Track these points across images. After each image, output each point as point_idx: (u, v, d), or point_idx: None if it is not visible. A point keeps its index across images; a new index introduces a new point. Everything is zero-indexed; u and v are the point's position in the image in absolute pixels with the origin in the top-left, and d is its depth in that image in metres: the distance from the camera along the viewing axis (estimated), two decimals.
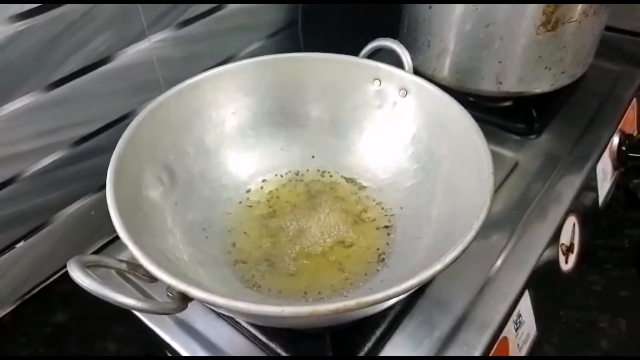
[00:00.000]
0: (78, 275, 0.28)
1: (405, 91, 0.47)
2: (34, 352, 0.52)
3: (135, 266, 0.33)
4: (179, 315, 0.41)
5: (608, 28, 0.70)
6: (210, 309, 0.43)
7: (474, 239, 0.31)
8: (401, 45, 0.46)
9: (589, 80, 0.65)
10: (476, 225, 0.32)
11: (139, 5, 0.52)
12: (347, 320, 0.36)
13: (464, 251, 0.30)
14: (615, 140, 0.60)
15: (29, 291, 0.56)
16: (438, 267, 0.29)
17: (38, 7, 0.44)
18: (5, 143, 0.47)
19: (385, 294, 0.28)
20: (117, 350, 0.52)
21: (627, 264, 0.60)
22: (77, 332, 0.54)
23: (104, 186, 0.36)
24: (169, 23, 0.56)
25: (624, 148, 0.60)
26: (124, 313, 0.43)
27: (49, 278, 0.57)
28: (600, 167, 0.57)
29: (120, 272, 0.34)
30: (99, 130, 0.54)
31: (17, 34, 0.44)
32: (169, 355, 0.44)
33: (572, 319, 0.55)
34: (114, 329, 0.54)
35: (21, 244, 0.53)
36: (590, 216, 0.57)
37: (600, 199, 0.59)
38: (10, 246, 0.52)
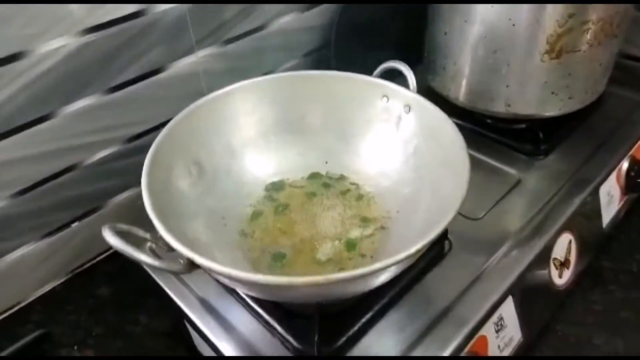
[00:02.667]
0: (108, 236, 0.35)
1: (409, 107, 0.51)
2: (78, 318, 0.60)
3: (157, 238, 0.39)
4: (199, 292, 0.49)
5: (630, 57, 0.73)
6: (223, 287, 0.49)
7: (438, 235, 0.36)
8: (407, 67, 0.51)
9: (606, 106, 0.67)
10: (442, 223, 0.36)
11: (189, 23, 0.59)
12: (328, 296, 0.40)
13: (423, 248, 0.35)
14: (625, 165, 0.61)
15: (80, 266, 0.65)
16: (400, 256, 0.34)
17: (104, 22, 0.53)
18: (69, 136, 0.56)
19: (350, 274, 0.33)
20: (147, 322, 0.59)
21: (633, 287, 0.60)
22: (115, 304, 0.61)
23: None
24: (216, 40, 0.63)
25: (632, 173, 0.61)
26: (155, 290, 0.51)
27: (97, 256, 0.65)
28: (604, 189, 0.59)
29: (150, 248, 0.41)
30: (149, 130, 0.62)
31: (85, 44, 0.52)
32: (187, 324, 0.50)
33: (567, 334, 0.56)
34: (146, 303, 0.61)
35: (77, 223, 0.61)
36: (591, 236, 0.59)
37: (605, 221, 0.60)
38: (68, 224, 0.61)
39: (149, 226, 0.38)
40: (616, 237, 0.66)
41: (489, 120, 0.65)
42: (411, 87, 0.51)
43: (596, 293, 0.61)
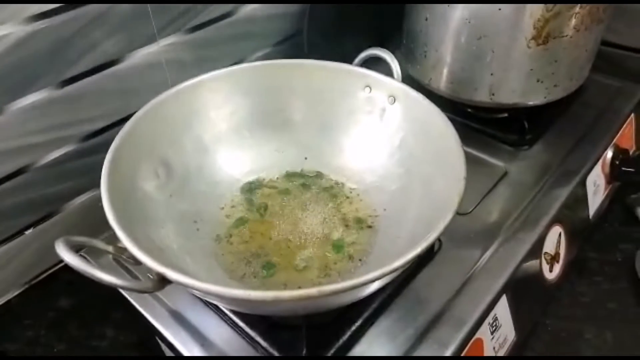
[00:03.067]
0: (63, 252, 0.30)
1: (393, 98, 0.49)
2: (37, 334, 0.55)
3: (121, 249, 0.35)
4: (170, 304, 0.45)
5: (609, 44, 0.72)
6: (198, 298, 0.45)
7: (436, 239, 0.34)
8: (391, 55, 0.48)
9: (587, 94, 0.66)
10: (440, 225, 0.34)
11: (149, 10, 0.54)
12: (317, 309, 0.37)
13: (423, 250, 0.32)
14: (609, 154, 0.61)
15: (36, 276, 0.59)
16: (396, 264, 0.31)
17: (53, 8, 0.48)
18: (18, 135, 0.51)
19: (344, 285, 0.30)
20: (114, 336, 0.55)
21: (618, 278, 0.60)
22: (78, 317, 0.56)
23: None
24: (179, 28, 0.59)
25: (617, 162, 0.60)
26: (122, 301, 0.47)
27: (55, 265, 0.60)
28: (591, 179, 0.58)
29: (114, 259, 0.37)
30: (108, 127, 0.57)
31: (32, 33, 0.47)
32: (159, 340, 0.46)
33: (558, 329, 0.55)
34: (112, 315, 0.56)
35: (30, 231, 0.56)
36: (579, 228, 0.58)
37: (591, 212, 0.59)
38: (20, 232, 0.55)
39: (111, 236, 0.34)
40: (600, 227, 0.65)
41: (470, 110, 0.63)
42: (395, 76, 0.49)
43: (583, 285, 0.60)
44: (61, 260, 0.30)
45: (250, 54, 0.69)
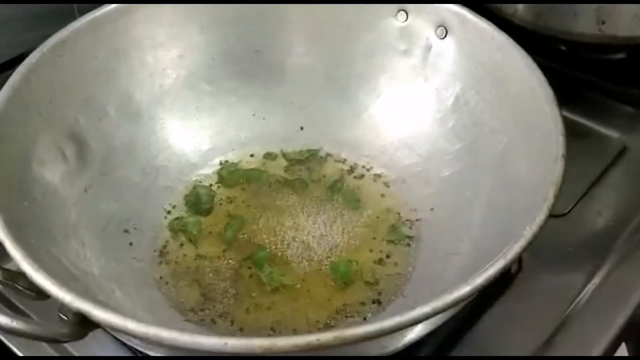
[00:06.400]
0: None
1: (444, 29, 0.48)
2: None
3: (14, 275, 0.34)
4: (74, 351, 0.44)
5: None
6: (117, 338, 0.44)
7: (517, 256, 0.32)
8: None
9: None
10: (524, 234, 0.32)
11: None
12: None
13: (495, 275, 0.32)
14: None
15: None
16: (449, 298, 0.30)
17: None
18: None
19: (370, 328, 0.28)
20: None
21: None
22: None
23: None
24: None
25: None
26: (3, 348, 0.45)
27: None
28: None
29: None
30: None
31: None
32: None
33: None
34: None
35: None
36: None
37: None
38: None
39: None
40: None
41: (564, 48, 0.61)
42: None
43: None
44: None
45: None
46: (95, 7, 0.48)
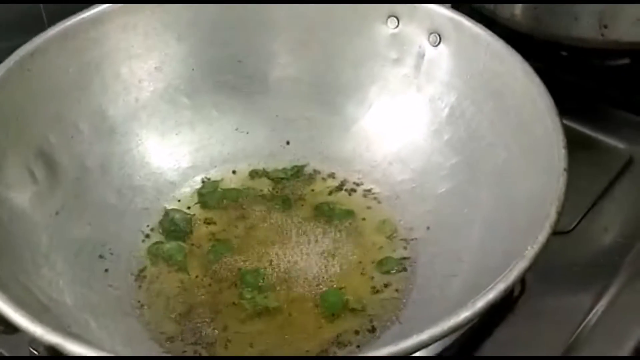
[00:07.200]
0: None
1: (437, 36, 0.49)
2: None
3: None
4: None
5: None
6: None
7: (520, 277, 0.33)
8: None
9: None
10: (525, 254, 0.33)
11: None
12: None
13: (496, 299, 0.32)
14: None
15: None
16: (447, 325, 0.30)
17: None
18: None
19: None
20: None
21: None
22: None
23: None
24: None
25: None
26: None
27: None
28: None
29: None
30: None
31: None
32: None
33: None
34: None
35: None
36: None
37: None
38: None
39: None
40: None
41: (564, 53, 0.63)
42: None
43: None
44: None
45: None
46: (65, 12, 0.48)
